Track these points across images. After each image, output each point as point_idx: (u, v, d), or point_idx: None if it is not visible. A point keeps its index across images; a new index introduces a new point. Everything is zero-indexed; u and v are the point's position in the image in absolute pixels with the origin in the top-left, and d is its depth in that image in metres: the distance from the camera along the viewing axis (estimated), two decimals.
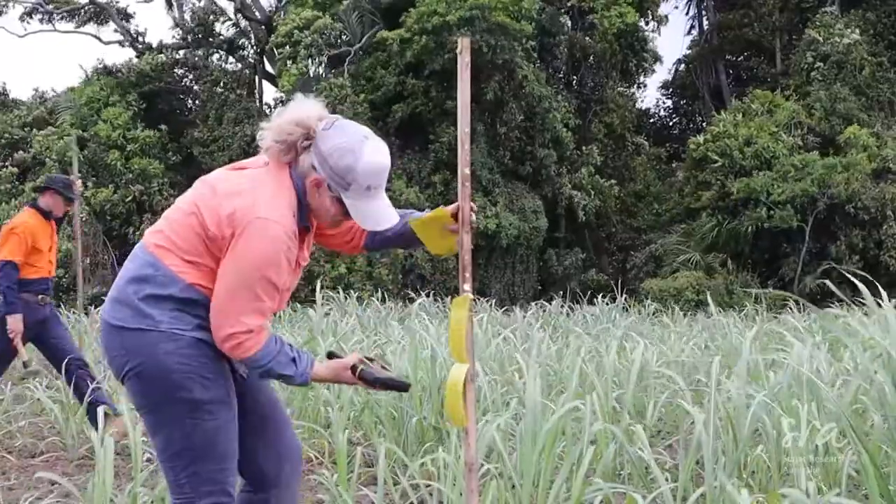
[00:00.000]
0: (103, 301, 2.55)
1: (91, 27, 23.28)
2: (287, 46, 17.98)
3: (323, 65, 17.95)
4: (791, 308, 10.96)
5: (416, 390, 4.73)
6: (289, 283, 2.46)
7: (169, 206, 2.66)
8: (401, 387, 2.59)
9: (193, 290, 2.39)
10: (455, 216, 2.56)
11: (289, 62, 18.27)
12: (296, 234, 2.39)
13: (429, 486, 3.61)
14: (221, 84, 20.29)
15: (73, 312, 12.44)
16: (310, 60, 17.63)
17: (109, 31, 29.12)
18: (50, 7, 22.56)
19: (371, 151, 2.37)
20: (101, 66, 19.84)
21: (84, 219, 16.48)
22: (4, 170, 17.91)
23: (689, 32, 26.31)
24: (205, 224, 2.37)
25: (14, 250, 5.53)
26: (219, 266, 2.37)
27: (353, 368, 2.53)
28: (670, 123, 28.06)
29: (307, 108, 2.44)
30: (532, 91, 17.90)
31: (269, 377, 2.50)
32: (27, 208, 5.88)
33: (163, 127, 18.42)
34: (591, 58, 20.69)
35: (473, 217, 2.58)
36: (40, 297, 5.62)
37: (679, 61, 26.52)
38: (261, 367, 2.40)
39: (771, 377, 4.42)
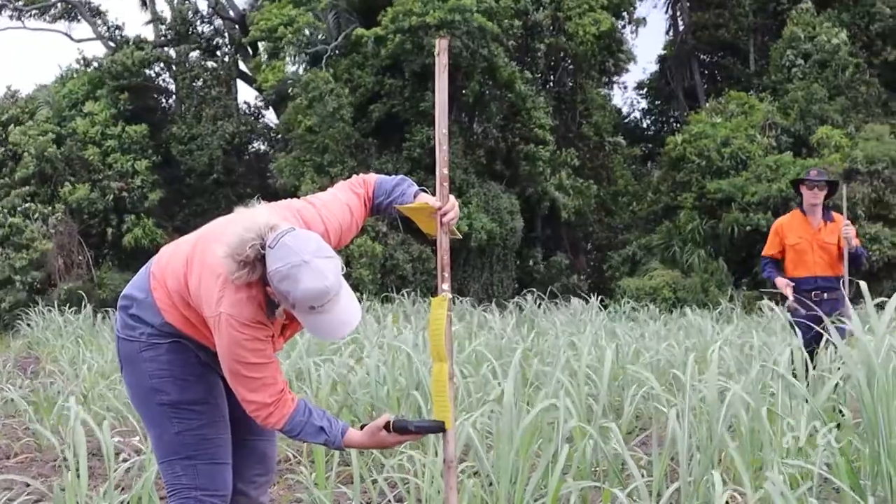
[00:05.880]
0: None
1: (62, 24, 22.98)
2: (267, 42, 17.88)
3: (304, 62, 17.87)
4: (762, 307, 11.05)
5: (393, 390, 4.75)
6: (279, 346, 2.55)
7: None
8: (436, 428, 2.59)
9: (171, 328, 2.52)
10: (438, 208, 2.59)
11: (265, 56, 18.18)
12: (260, 321, 2.40)
13: (406, 483, 3.62)
14: (201, 80, 20.12)
15: (50, 310, 12.33)
16: (290, 57, 17.55)
17: (81, 28, 28.84)
18: (20, 3, 22.21)
19: (308, 277, 2.24)
20: (81, 59, 19.62)
21: (59, 217, 16.28)
22: None
23: (667, 32, 26.38)
24: (188, 284, 2.47)
25: None
26: (193, 316, 2.48)
27: (387, 426, 2.56)
28: (644, 124, 28.19)
29: (256, 216, 2.35)
30: (518, 90, 17.94)
31: (307, 443, 2.64)
32: None
33: (142, 124, 18.19)
34: (569, 59, 20.72)
35: (454, 223, 2.62)
36: None
37: (654, 61, 26.71)
38: (293, 437, 2.53)
39: (745, 374, 4.46)
